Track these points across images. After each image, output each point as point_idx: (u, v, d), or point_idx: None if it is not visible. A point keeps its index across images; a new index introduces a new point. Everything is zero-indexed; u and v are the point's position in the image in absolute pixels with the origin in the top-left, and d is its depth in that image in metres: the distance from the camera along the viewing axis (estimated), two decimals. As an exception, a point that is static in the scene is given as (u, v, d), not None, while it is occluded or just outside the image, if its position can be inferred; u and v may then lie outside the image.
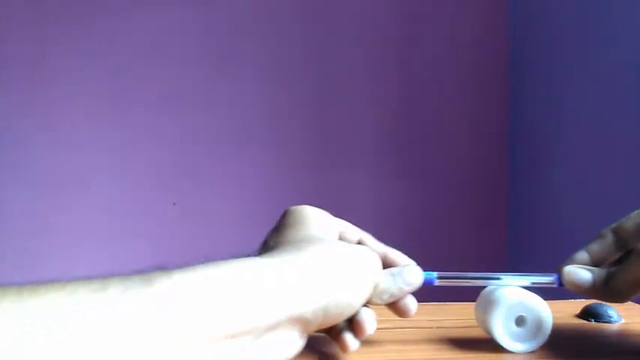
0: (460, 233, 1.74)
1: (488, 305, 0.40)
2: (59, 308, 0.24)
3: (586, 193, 1.38)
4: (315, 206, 0.41)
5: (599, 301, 0.47)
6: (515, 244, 1.74)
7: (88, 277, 0.27)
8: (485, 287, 0.43)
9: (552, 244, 1.44)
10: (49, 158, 1.62)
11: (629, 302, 0.54)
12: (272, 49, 1.70)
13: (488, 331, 0.40)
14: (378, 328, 0.38)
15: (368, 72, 1.74)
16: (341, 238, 0.41)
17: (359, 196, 1.72)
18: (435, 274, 0.41)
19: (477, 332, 0.43)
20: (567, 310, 0.52)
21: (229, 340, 0.29)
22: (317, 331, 0.35)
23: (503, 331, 0.39)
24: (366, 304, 0.38)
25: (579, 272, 0.40)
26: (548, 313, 0.38)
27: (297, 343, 0.34)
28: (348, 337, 0.37)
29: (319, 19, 1.72)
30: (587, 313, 0.50)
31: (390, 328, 0.44)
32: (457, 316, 0.50)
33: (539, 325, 0.39)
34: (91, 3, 1.63)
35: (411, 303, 0.39)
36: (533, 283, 0.41)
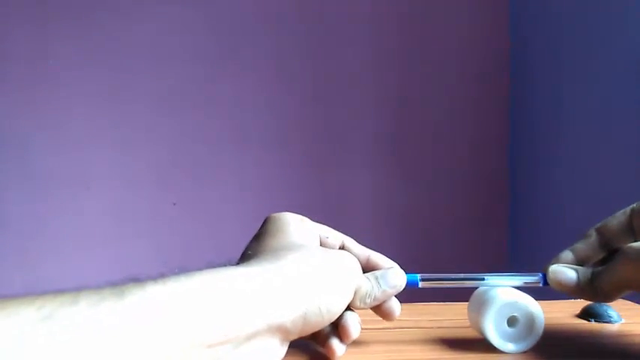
0: (460, 233, 1.74)
1: (481, 305, 0.40)
2: (27, 324, 0.24)
3: (587, 193, 1.38)
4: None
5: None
6: (515, 244, 1.73)
7: (59, 291, 0.26)
8: (472, 288, 0.42)
9: (553, 244, 1.43)
10: (49, 158, 1.62)
11: (629, 302, 0.54)
12: (272, 49, 1.70)
13: (480, 331, 0.40)
14: (362, 329, 0.38)
15: (368, 72, 1.73)
16: (322, 244, 0.40)
17: (359, 196, 1.71)
18: (418, 275, 0.40)
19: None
20: (567, 310, 0.52)
21: (206, 350, 0.29)
22: (302, 338, 0.35)
23: (495, 331, 0.39)
24: (350, 309, 0.38)
25: (565, 271, 0.40)
26: (540, 313, 0.38)
27: (278, 351, 0.33)
28: (335, 342, 0.37)
29: (319, 18, 1.72)
30: (587, 313, 0.50)
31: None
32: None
33: (531, 325, 0.38)
34: (91, 2, 1.63)
35: (395, 305, 0.39)
36: (520, 283, 0.41)
